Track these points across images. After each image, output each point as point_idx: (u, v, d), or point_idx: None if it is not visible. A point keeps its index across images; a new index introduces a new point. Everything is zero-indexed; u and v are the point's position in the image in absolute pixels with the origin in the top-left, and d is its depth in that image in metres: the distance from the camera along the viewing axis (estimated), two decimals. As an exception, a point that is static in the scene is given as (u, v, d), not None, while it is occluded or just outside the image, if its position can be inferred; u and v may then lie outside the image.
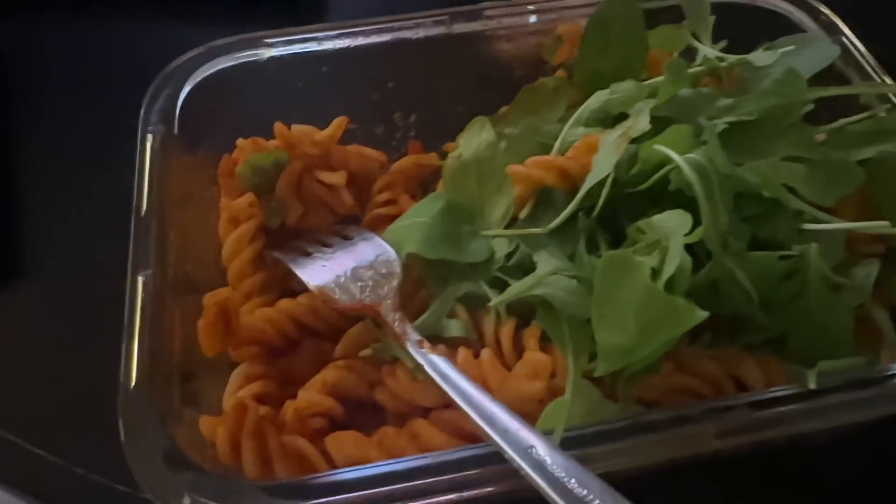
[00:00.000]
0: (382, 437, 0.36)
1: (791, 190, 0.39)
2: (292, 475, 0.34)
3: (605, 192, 0.39)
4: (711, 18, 0.49)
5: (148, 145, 0.42)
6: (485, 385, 0.34)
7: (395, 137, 0.52)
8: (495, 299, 0.37)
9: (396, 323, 0.37)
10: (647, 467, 0.39)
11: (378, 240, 0.42)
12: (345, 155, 0.49)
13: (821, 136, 0.43)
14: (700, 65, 0.47)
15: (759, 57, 0.46)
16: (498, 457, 0.31)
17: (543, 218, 0.41)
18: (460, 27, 0.49)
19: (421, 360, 0.35)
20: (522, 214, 0.41)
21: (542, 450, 0.30)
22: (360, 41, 0.48)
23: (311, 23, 0.48)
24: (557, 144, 0.44)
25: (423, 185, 0.50)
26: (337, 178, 0.47)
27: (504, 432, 0.31)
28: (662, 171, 0.38)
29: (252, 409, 0.35)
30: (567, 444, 0.31)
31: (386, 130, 0.52)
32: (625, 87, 0.44)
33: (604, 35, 0.48)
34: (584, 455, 0.30)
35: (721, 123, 0.41)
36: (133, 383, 0.33)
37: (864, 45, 0.46)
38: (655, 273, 0.34)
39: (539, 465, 0.29)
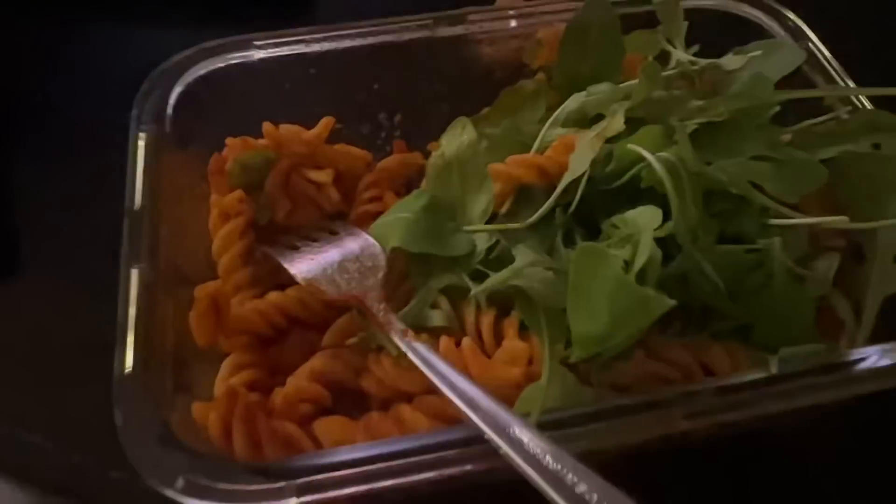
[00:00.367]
0: (368, 422, 0.37)
1: (758, 187, 0.41)
2: (281, 458, 0.35)
3: (581, 189, 0.41)
4: (685, 24, 0.51)
5: (140, 143, 0.43)
6: (466, 371, 0.36)
7: (380, 137, 0.54)
8: (475, 289, 0.39)
9: (381, 313, 0.39)
10: (621, 452, 0.41)
11: (364, 234, 0.43)
12: (331, 154, 0.50)
13: (787, 137, 0.45)
14: (673, 68, 0.49)
15: (729, 61, 0.48)
16: (477, 437, 0.32)
17: (522, 214, 0.42)
18: (444, 31, 0.50)
19: (405, 348, 0.37)
20: (502, 210, 0.43)
21: (519, 430, 0.31)
22: (347, 44, 0.49)
23: (299, 26, 0.50)
24: (536, 144, 0.46)
25: (407, 183, 0.52)
26: (324, 175, 0.49)
27: (483, 414, 0.32)
28: (635, 169, 0.40)
29: (242, 395, 0.37)
30: (543, 426, 0.32)
31: (371, 130, 0.53)
32: (601, 89, 0.46)
33: (582, 39, 0.49)
34: (559, 436, 0.32)
35: (692, 124, 0.42)
36: (128, 370, 0.34)
37: (829, 50, 0.49)
38: (628, 265, 0.36)
39: (516, 444, 0.31)
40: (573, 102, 0.47)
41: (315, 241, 0.44)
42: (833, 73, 0.48)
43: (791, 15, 0.51)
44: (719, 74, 0.48)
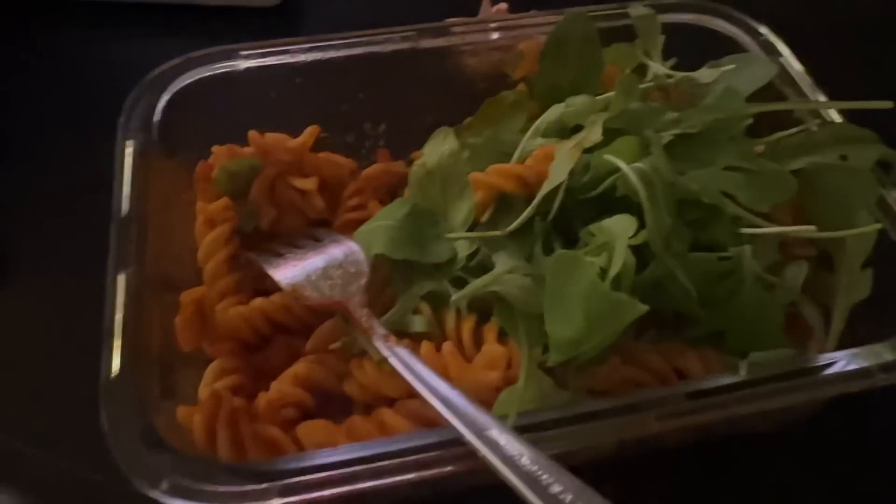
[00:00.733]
0: (350, 425, 0.38)
1: (730, 197, 0.42)
2: (265, 459, 0.36)
3: (560, 198, 0.42)
4: (662, 38, 0.53)
5: (128, 151, 0.44)
6: (446, 375, 0.36)
7: (364, 146, 0.55)
8: (456, 295, 0.40)
9: (364, 318, 0.39)
10: (598, 456, 0.42)
11: (347, 241, 0.44)
12: (316, 162, 0.51)
13: (759, 148, 0.46)
14: (650, 81, 0.51)
15: (703, 74, 0.49)
16: (457, 440, 0.33)
17: (503, 222, 0.43)
18: (427, 42, 0.51)
19: (386, 353, 0.37)
20: (483, 218, 0.44)
21: (497, 432, 0.32)
22: (332, 54, 0.50)
23: (285, 36, 0.50)
24: (517, 154, 0.47)
25: (391, 191, 0.52)
26: (309, 183, 0.50)
27: (462, 417, 0.33)
28: (611, 179, 0.41)
29: (226, 399, 0.37)
30: (520, 429, 0.33)
31: (356, 139, 0.54)
32: (579, 100, 0.47)
33: (562, 52, 0.51)
34: (535, 437, 0.33)
35: (667, 135, 0.44)
36: (114, 374, 0.35)
37: (801, 64, 0.50)
38: (604, 272, 0.37)
39: (494, 446, 0.32)
40: (552, 113, 0.48)
41: (299, 247, 0.45)
42: (803, 87, 0.49)
43: (764, 30, 0.52)
44: (694, 87, 0.50)
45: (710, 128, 0.45)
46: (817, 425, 0.46)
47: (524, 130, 0.49)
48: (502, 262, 0.40)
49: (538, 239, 0.42)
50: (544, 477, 0.30)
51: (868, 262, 0.42)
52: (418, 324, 0.41)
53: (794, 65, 0.50)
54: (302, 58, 0.50)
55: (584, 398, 0.37)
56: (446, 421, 0.33)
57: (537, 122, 0.48)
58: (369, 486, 0.32)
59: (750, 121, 0.46)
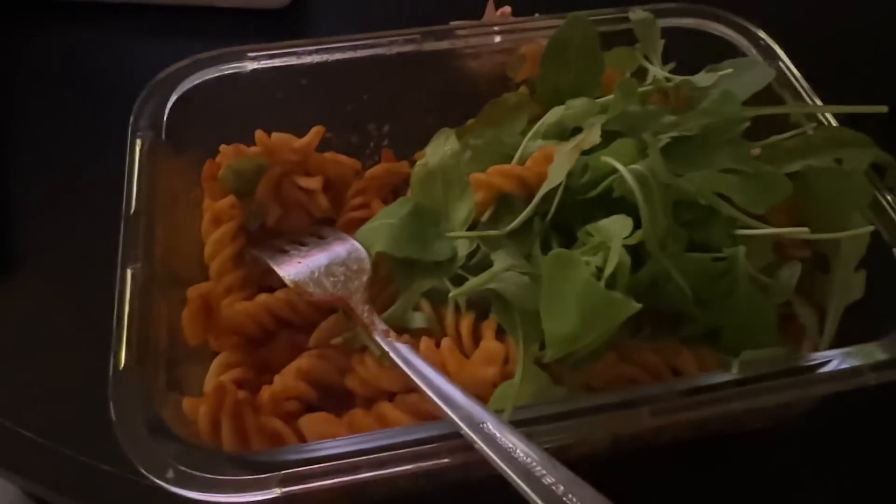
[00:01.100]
0: (351, 419, 0.39)
1: (726, 199, 0.43)
2: (266, 450, 0.37)
3: (558, 199, 0.43)
4: (661, 42, 0.53)
5: (137, 149, 0.45)
6: (444, 370, 0.37)
7: (368, 146, 0.55)
8: (455, 291, 0.41)
9: (366, 314, 0.40)
10: (595, 452, 0.43)
11: (350, 240, 0.45)
12: (321, 161, 0.52)
13: (756, 151, 0.47)
14: (650, 84, 0.52)
15: (702, 78, 0.50)
16: (454, 433, 0.34)
17: (502, 221, 0.44)
18: (431, 45, 0.52)
19: (387, 348, 0.38)
20: (483, 218, 0.45)
21: (493, 425, 0.33)
22: (338, 56, 0.51)
23: (292, 38, 0.51)
24: (517, 155, 0.48)
25: (394, 191, 0.53)
26: (314, 182, 0.51)
27: (459, 410, 0.34)
28: (609, 180, 0.42)
29: (231, 391, 0.38)
30: (515, 423, 0.34)
31: (360, 139, 0.55)
32: (579, 103, 0.48)
33: (563, 55, 0.52)
34: (530, 431, 0.34)
35: (665, 138, 0.44)
36: (122, 365, 0.36)
37: (798, 68, 0.51)
38: (600, 271, 0.38)
39: (490, 439, 0.32)
40: (553, 116, 0.49)
41: (303, 245, 0.46)
42: (801, 91, 0.50)
43: (763, 35, 0.53)
44: (693, 91, 0.50)
45: (708, 131, 0.45)
46: (810, 423, 0.46)
47: (525, 132, 0.50)
48: (501, 260, 0.41)
49: (537, 238, 0.43)
50: (538, 469, 0.31)
51: (862, 264, 0.43)
52: (418, 320, 0.42)
53: (792, 69, 0.51)
54: (308, 59, 0.51)
55: (580, 394, 0.38)
56: (444, 414, 0.34)
57: (538, 125, 0.49)
58: (369, 477, 0.33)
59: (747, 124, 0.47)
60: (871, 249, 0.43)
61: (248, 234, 0.49)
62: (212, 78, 0.49)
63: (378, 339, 0.39)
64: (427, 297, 0.43)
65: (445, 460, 0.34)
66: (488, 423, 0.33)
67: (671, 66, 0.53)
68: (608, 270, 0.37)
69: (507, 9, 0.62)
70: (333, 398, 0.42)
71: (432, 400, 0.35)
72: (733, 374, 0.37)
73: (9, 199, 0.57)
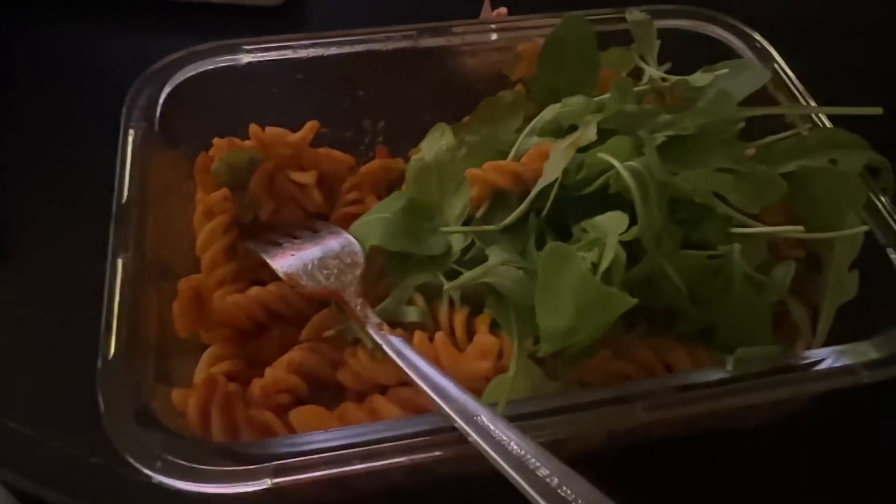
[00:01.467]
0: (343, 412, 0.39)
1: (721, 198, 0.43)
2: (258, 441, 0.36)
3: (554, 195, 0.43)
4: (657, 42, 0.53)
5: (130, 139, 0.44)
6: (438, 364, 0.37)
7: (363, 142, 0.55)
8: (449, 284, 0.40)
9: (359, 307, 0.40)
10: (589, 448, 0.42)
11: (344, 233, 0.45)
12: (315, 157, 0.52)
13: (751, 151, 0.47)
14: (646, 84, 0.52)
15: (698, 78, 0.50)
16: (447, 426, 0.34)
17: (497, 217, 0.44)
18: (427, 41, 0.52)
19: (380, 341, 0.38)
20: (478, 214, 0.45)
21: (487, 418, 0.33)
22: (334, 51, 0.51)
23: (287, 32, 0.51)
24: (513, 152, 0.48)
25: (389, 187, 0.53)
26: (307, 177, 0.50)
27: (453, 403, 0.34)
28: (604, 177, 0.42)
29: (221, 383, 0.38)
30: (510, 417, 0.34)
31: (355, 135, 0.55)
32: (575, 101, 0.48)
33: (559, 54, 0.52)
34: (524, 426, 0.33)
35: (661, 136, 0.44)
36: (112, 354, 0.36)
37: (793, 70, 0.51)
38: (595, 267, 0.38)
39: (483, 431, 0.32)
40: (549, 113, 0.49)
41: (297, 238, 0.46)
42: (796, 92, 0.50)
43: (758, 37, 0.53)
44: (688, 91, 0.50)
45: (703, 130, 0.45)
46: (802, 423, 0.46)
47: (520, 130, 0.50)
48: (496, 255, 0.41)
49: (532, 234, 0.43)
50: (532, 461, 0.31)
51: (855, 264, 0.43)
52: (412, 314, 0.41)
53: (787, 71, 0.51)
54: (303, 53, 0.50)
55: (574, 389, 0.38)
56: (437, 407, 0.34)
57: (533, 122, 0.49)
58: (361, 469, 0.33)
59: (742, 124, 0.47)
60: (865, 250, 0.43)
61: (241, 228, 0.48)
62: (206, 70, 0.49)
63: (371, 331, 0.39)
64: (421, 292, 0.43)
65: (437, 453, 0.34)
66: (482, 416, 0.33)
67: (667, 66, 0.53)
68: (604, 266, 0.37)
69: (503, 9, 0.62)
70: (325, 392, 0.42)
71: (426, 392, 0.35)
72: (728, 370, 0.37)
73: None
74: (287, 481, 0.32)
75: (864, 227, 0.43)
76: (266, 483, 0.32)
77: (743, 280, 0.41)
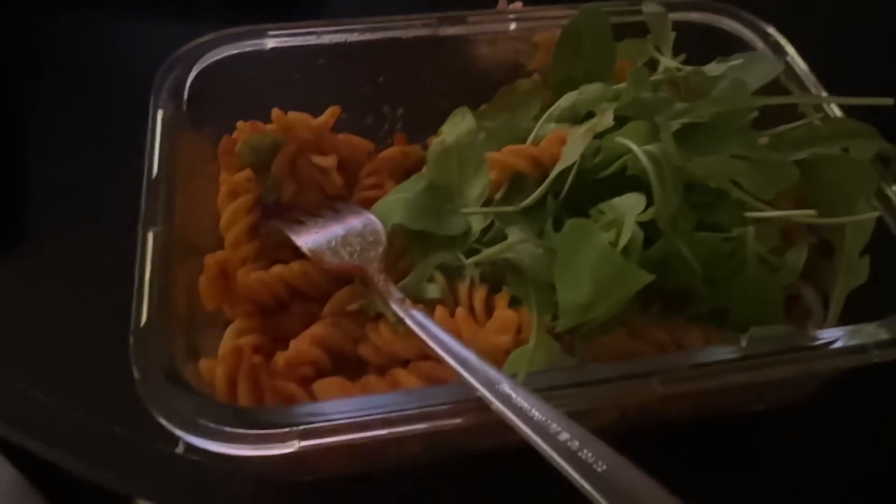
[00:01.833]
0: (365, 384, 0.40)
1: (735, 184, 0.44)
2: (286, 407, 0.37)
3: (571, 178, 0.44)
4: (672, 34, 0.54)
5: (159, 118, 0.45)
6: (458, 337, 0.38)
7: (382, 129, 0.56)
8: (472, 258, 0.41)
9: (382, 283, 0.41)
10: (604, 426, 0.43)
11: (366, 213, 0.46)
12: (335, 141, 0.53)
13: (764, 140, 0.48)
14: (661, 74, 0.53)
15: (712, 68, 0.51)
16: (468, 396, 0.35)
17: (516, 199, 0.45)
18: (447, 30, 0.53)
19: (403, 315, 0.39)
20: (497, 196, 0.46)
21: (508, 386, 0.34)
22: (356, 37, 0.52)
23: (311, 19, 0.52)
24: (531, 137, 0.49)
25: (406, 173, 0.54)
26: (328, 160, 0.51)
27: (475, 373, 0.35)
28: (621, 161, 0.43)
29: (247, 354, 0.39)
30: (529, 386, 0.35)
31: (375, 121, 0.56)
32: (592, 88, 0.49)
33: (576, 44, 0.53)
34: (543, 396, 0.34)
35: (676, 123, 0.45)
36: (144, 322, 0.37)
37: (805, 62, 0.52)
38: (613, 245, 0.39)
39: (505, 398, 0.33)
40: (566, 100, 0.50)
41: (320, 217, 0.47)
42: (808, 84, 0.51)
43: (772, 30, 0.54)
44: (703, 82, 0.52)
45: (718, 118, 0.46)
46: (812, 408, 0.47)
47: (538, 118, 0.51)
48: (515, 234, 0.42)
49: (549, 216, 0.44)
50: (553, 426, 0.32)
51: (866, 250, 0.44)
52: (432, 291, 0.42)
53: (800, 63, 0.52)
54: (327, 40, 0.51)
55: (591, 363, 0.39)
56: (460, 376, 0.35)
57: (551, 109, 0.50)
58: (384, 434, 0.34)
59: (756, 113, 0.48)
60: (875, 236, 0.44)
61: (263, 209, 0.49)
62: (232, 54, 0.50)
63: (394, 306, 0.40)
64: (441, 271, 0.44)
65: (459, 420, 0.35)
66: (504, 385, 0.34)
67: (681, 58, 0.54)
68: (621, 243, 0.38)
69: (518, 3, 0.64)
70: (346, 367, 0.43)
71: (448, 363, 0.36)
72: (742, 347, 0.38)
73: (28, 175, 0.58)
74: (314, 444, 0.33)
75: (876, 213, 0.44)
76: (295, 445, 0.33)
77: (756, 262, 0.42)
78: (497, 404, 0.33)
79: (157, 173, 0.43)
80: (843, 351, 0.38)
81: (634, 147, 0.42)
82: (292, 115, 0.51)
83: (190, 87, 0.48)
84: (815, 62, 0.52)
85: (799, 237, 0.46)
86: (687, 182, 0.43)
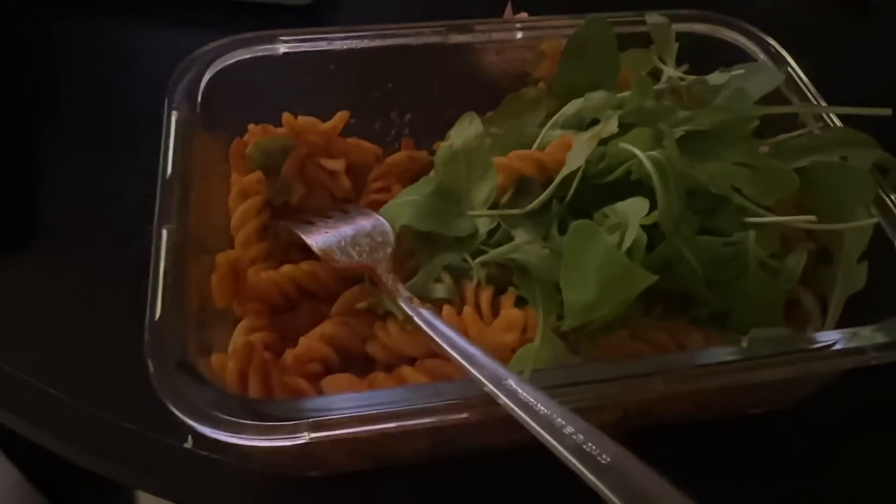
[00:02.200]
0: (373, 380, 0.41)
1: (736, 190, 0.45)
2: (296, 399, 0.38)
3: (576, 183, 0.45)
4: (675, 45, 0.56)
5: (173, 120, 0.46)
6: (465, 335, 0.39)
7: (390, 134, 0.57)
8: (480, 258, 0.42)
9: (390, 282, 0.42)
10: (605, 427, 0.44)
11: (374, 214, 0.47)
12: (344, 146, 0.54)
13: (765, 148, 0.49)
14: (664, 83, 0.54)
15: (714, 78, 0.52)
16: (475, 390, 0.35)
17: (521, 203, 0.46)
18: (455, 38, 0.54)
19: (411, 313, 0.40)
20: (503, 200, 0.47)
21: (515, 382, 0.34)
22: (366, 44, 0.53)
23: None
24: (537, 143, 0.50)
25: (413, 178, 0.55)
26: (337, 164, 0.52)
27: (482, 369, 0.35)
28: (626, 166, 0.44)
29: (258, 349, 0.40)
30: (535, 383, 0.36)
31: (382, 127, 0.57)
32: (597, 96, 0.50)
33: (581, 54, 0.54)
34: (548, 393, 0.35)
35: (679, 131, 0.47)
36: (158, 315, 0.37)
37: (805, 73, 0.53)
38: (617, 247, 0.40)
39: (511, 393, 0.34)
40: (571, 108, 0.51)
41: (329, 217, 0.48)
42: (808, 94, 0.52)
43: (773, 42, 0.56)
44: (705, 91, 0.53)
45: (720, 126, 0.47)
46: (809, 411, 0.48)
47: (543, 125, 0.52)
48: (521, 237, 0.43)
49: (554, 220, 0.45)
50: (558, 420, 0.32)
51: (864, 256, 0.45)
52: (440, 290, 0.43)
53: (800, 74, 0.53)
54: (337, 46, 0.53)
55: (595, 361, 0.40)
56: (467, 372, 0.36)
57: (556, 116, 0.51)
58: (391, 428, 0.35)
59: (757, 122, 0.49)
60: (873, 243, 0.45)
61: (273, 210, 0.50)
62: (245, 58, 0.51)
63: (403, 304, 0.40)
64: (447, 272, 0.45)
65: (465, 415, 0.35)
66: (510, 380, 0.34)
67: (684, 68, 0.55)
68: (625, 245, 0.39)
69: (524, 14, 0.65)
70: (353, 365, 0.43)
71: (456, 359, 0.36)
72: (743, 347, 0.39)
73: (42, 172, 0.59)
74: (324, 436, 0.34)
75: (874, 220, 0.45)
76: (305, 437, 0.34)
77: (757, 266, 0.43)
78: (504, 399, 0.34)
79: (172, 172, 0.44)
80: (842, 353, 0.39)
81: (638, 152, 0.43)
82: (302, 119, 0.52)
83: (204, 89, 0.49)
84: (815, 73, 0.54)
85: (798, 243, 0.47)
86: (689, 188, 0.44)
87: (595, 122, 0.49)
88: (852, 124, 0.50)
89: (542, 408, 0.33)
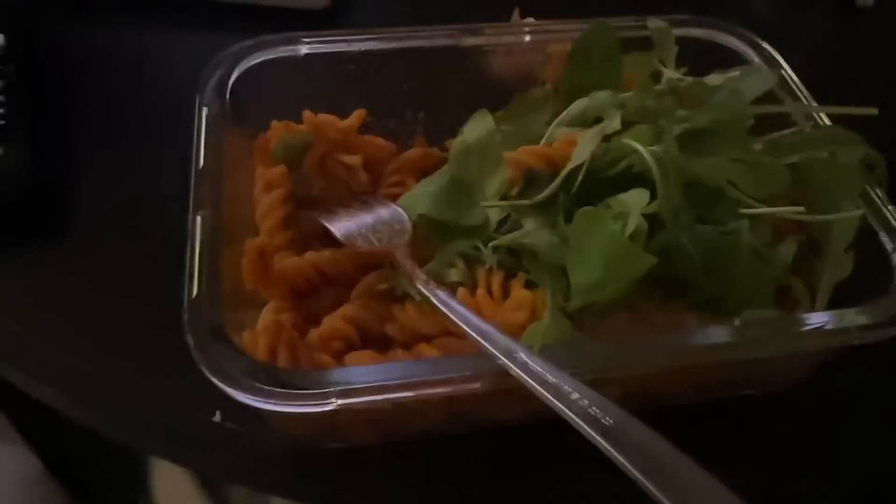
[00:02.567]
0: (393, 356, 0.44)
1: (731, 184, 0.48)
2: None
3: (582, 175, 0.48)
4: (675, 48, 0.59)
5: (204, 115, 0.49)
6: (479, 314, 0.42)
7: (404, 131, 0.60)
8: (493, 242, 0.45)
9: (408, 265, 0.45)
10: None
11: (392, 204, 0.50)
12: (361, 142, 0.57)
13: (759, 145, 0.52)
14: (664, 84, 0.57)
15: (711, 79, 0.56)
16: (490, 362, 0.38)
17: (530, 195, 0.49)
18: (466, 41, 0.58)
19: (428, 294, 0.43)
20: (513, 191, 0.50)
21: (525, 355, 0.38)
22: (383, 45, 0.56)
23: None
24: (544, 139, 0.53)
25: (426, 173, 0.57)
26: (354, 159, 0.55)
27: (495, 343, 0.38)
28: (628, 160, 0.47)
29: (287, 326, 0.43)
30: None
31: (397, 125, 0.59)
32: (601, 96, 0.53)
33: (586, 56, 0.57)
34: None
35: (678, 128, 0.50)
36: (195, 293, 0.41)
37: (797, 75, 0.57)
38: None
39: (523, 365, 0.37)
40: (577, 106, 0.54)
41: (350, 207, 0.51)
42: (800, 94, 0.55)
43: (767, 46, 0.59)
44: (703, 92, 0.56)
45: (716, 125, 0.50)
46: (802, 392, 0.51)
47: (550, 123, 0.55)
48: (530, 226, 0.46)
49: (561, 210, 0.48)
50: (565, 388, 0.35)
51: (850, 246, 0.48)
52: (454, 274, 0.46)
53: (793, 76, 0.57)
54: (356, 47, 0.56)
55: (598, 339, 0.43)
56: (482, 347, 0.39)
57: (563, 114, 0.54)
58: (414, 396, 0.38)
59: (752, 121, 0.52)
60: (859, 234, 0.48)
61: (296, 201, 0.53)
62: (270, 58, 0.54)
63: (420, 286, 0.44)
64: (461, 258, 0.48)
65: (479, 384, 0.38)
66: (521, 353, 0.38)
67: (683, 70, 0.58)
68: (628, 232, 0.42)
69: (530, 20, 0.68)
70: (373, 345, 0.46)
71: (471, 335, 0.39)
72: (736, 326, 0.42)
73: (78, 162, 0.62)
74: (351, 402, 0.37)
75: (860, 212, 0.48)
76: (333, 403, 0.37)
77: (750, 254, 0.46)
78: (516, 370, 0.37)
79: (204, 163, 0.47)
80: (829, 333, 0.42)
81: (640, 148, 0.46)
82: (322, 116, 0.55)
83: (231, 87, 0.52)
84: (807, 75, 0.57)
85: (789, 233, 0.50)
86: (687, 181, 0.47)
87: (599, 120, 0.52)
88: (841, 123, 0.53)
89: (550, 377, 0.36)
